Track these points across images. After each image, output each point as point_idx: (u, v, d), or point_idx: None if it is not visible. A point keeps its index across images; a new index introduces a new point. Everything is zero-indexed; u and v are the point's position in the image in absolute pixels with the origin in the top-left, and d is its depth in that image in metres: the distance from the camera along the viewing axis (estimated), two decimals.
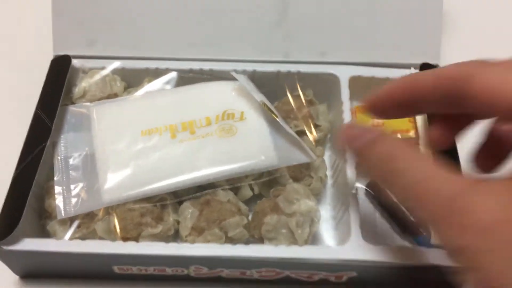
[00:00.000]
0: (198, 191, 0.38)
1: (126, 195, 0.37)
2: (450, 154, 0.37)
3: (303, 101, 0.43)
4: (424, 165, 0.25)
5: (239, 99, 0.42)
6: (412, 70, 0.45)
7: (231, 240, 0.36)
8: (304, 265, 0.35)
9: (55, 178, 0.38)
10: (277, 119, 0.39)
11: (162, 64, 0.45)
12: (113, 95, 0.43)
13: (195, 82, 0.44)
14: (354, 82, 0.43)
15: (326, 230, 0.39)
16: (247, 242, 0.36)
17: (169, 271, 0.36)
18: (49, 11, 0.45)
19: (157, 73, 0.44)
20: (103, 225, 0.36)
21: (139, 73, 0.45)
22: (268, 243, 0.36)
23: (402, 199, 0.27)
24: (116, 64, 0.45)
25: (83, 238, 0.36)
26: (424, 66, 0.45)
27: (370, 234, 0.36)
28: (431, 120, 0.33)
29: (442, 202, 0.23)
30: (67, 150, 0.39)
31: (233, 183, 0.38)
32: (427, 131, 0.33)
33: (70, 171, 0.38)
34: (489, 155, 0.31)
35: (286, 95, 0.44)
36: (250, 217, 0.38)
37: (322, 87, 0.44)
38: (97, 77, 0.44)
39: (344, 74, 0.44)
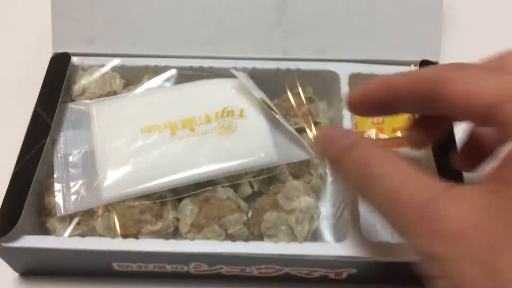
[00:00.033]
0: (198, 188, 0.38)
1: (125, 192, 0.37)
2: (446, 146, 0.37)
3: (303, 98, 0.43)
4: (401, 169, 0.25)
5: (238, 96, 0.42)
6: (412, 67, 0.45)
7: (231, 237, 0.36)
8: (303, 262, 0.35)
9: (55, 175, 0.38)
10: (276, 116, 0.39)
11: (161, 62, 0.44)
12: (113, 93, 0.43)
13: (195, 80, 0.44)
14: (354, 79, 0.43)
15: (326, 227, 0.39)
16: (246, 239, 0.36)
17: (168, 268, 0.36)
18: (49, 8, 0.45)
19: (156, 71, 0.44)
20: (103, 222, 0.36)
21: (138, 70, 0.45)
22: (268, 240, 0.36)
23: (377, 205, 0.26)
24: (116, 61, 0.45)
25: (82, 235, 0.36)
26: (424, 63, 0.45)
27: (369, 231, 0.36)
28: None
29: (415, 208, 0.23)
30: (67, 147, 0.39)
31: (232, 180, 0.38)
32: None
33: (70, 168, 0.38)
34: (470, 155, 0.31)
35: (286, 92, 0.44)
36: (249, 214, 0.38)
37: (322, 85, 0.44)
38: (97, 74, 0.44)
39: (343, 71, 0.44)
